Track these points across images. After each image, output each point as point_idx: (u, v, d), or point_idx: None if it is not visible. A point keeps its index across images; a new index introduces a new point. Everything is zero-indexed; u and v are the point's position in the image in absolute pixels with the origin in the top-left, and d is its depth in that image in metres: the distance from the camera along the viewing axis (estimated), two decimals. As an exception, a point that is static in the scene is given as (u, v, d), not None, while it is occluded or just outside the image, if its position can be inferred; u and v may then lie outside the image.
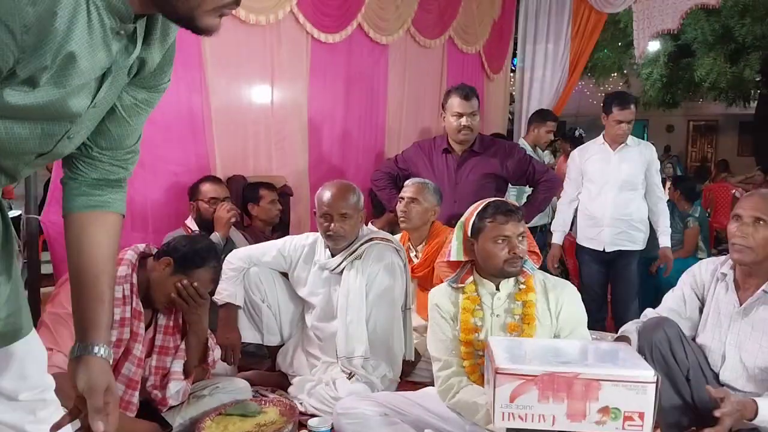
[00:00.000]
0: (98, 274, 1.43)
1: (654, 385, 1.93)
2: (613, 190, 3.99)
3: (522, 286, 2.41)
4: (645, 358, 2.46)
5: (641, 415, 1.90)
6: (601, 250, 4.05)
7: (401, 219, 3.46)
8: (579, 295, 2.49)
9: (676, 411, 2.47)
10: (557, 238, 4.18)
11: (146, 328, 2.43)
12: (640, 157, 4.01)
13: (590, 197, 4.09)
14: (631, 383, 1.91)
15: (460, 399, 2.34)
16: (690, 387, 2.43)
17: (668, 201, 5.72)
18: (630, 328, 2.56)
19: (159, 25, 1.29)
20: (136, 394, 2.35)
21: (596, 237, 4.06)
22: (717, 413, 2.04)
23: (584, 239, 4.15)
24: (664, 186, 8.07)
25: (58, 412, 1.56)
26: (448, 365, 2.42)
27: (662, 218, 4.07)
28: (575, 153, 4.25)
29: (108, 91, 1.26)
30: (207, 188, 3.46)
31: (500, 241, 2.34)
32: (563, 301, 2.42)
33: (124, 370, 2.31)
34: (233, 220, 3.44)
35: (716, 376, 2.47)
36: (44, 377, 1.55)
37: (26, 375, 1.47)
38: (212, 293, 2.58)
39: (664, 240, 4.06)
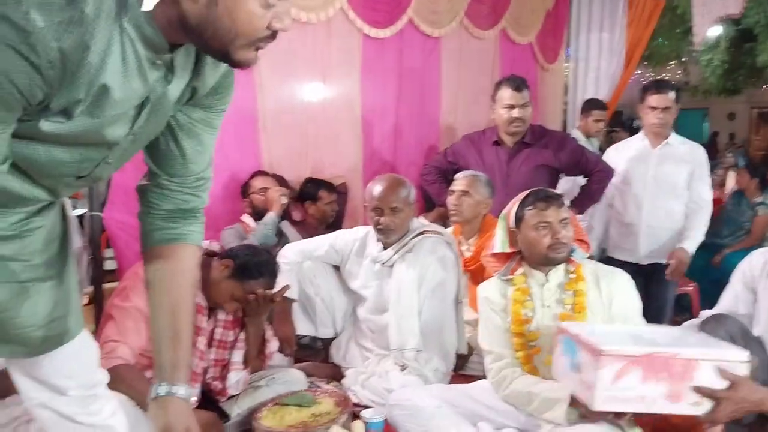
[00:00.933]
0: (175, 311, 1.43)
1: (748, 365, 1.94)
2: (652, 194, 3.67)
3: (572, 276, 2.38)
4: None
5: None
6: (636, 262, 3.69)
7: (452, 212, 3.45)
8: (632, 283, 2.43)
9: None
10: (592, 248, 3.60)
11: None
12: (685, 158, 3.65)
13: (624, 201, 3.78)
14: (727, 362, 1.91)
15: (513, 389, 2.33)
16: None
17: (737, 190, 5.62)
18: (689, 326, 2.51)
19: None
20: (198, 386, 2.42)
21: (631, 248, 3.75)
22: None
23: (616, 250, 3.84)
24: (725, 175, 7.84)
25: (110, 404, 1.62)
26: (500, 357, 2.42)
27: (698, 228, 3.58)
28: (611, 150, 3.98)
29: (148, 119, 1.26)
30: (257, 182, 3.62)
31: (542, 228, 2.34)
32: (616, 290, 2.38)
33: None
34: (284, 200, 3.57)
35: None
36: (93, 375, 1.58)
37: (74, 374, 1.51)
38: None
39: (689, 244, 3.54)
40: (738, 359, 1.93)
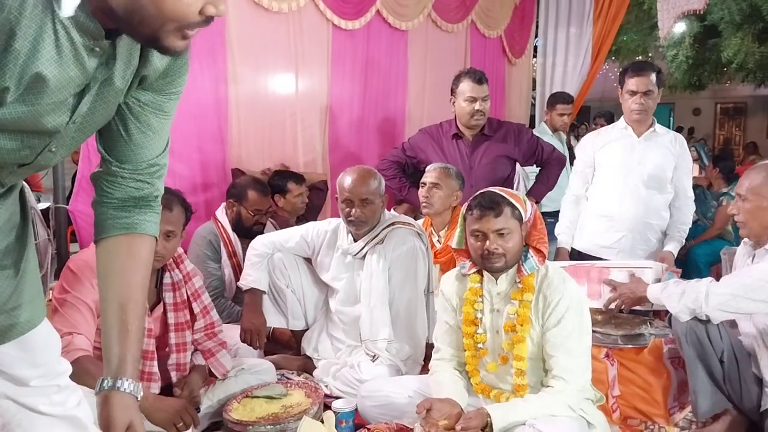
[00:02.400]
0: (123, 303, 1.39)
1: (652, 270, 2.73)
2: (637, 186, 3.39)
3: (518, 285, 2.29)
4: (680, 342, 2.48)
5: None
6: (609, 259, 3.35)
7: (424, 204, 3.46)
8: (579, 300, 2.28)
9: (708, 394, 2.47)
10: (565, 241, 3.59)
11: (153, 308, 2.49)
12: (671, 149, 3.40)
13: (606, 193, 3.47)
14: (634, 268, 2.71)
15: (431, 381, 2.41)
16: (723, 369, 2.43)
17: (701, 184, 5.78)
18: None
19: None
20: (155, 363, 2.40)
21: (613, 244, 3.44)
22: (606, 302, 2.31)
23: (595, 247, 3.49)
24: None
25: (75, 395, 1.58)
26: (437, 350, 2.48)
27: (684, 227, 3.45)
28: (586, 140, 3.66)
29: (93, 107, 1.23)
30: (255, 198, 3.42)
31: (475, 236, 2.27)
32: (553, 304, 2.23)
33: None
34: None
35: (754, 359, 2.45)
36: (56, 365, 1.54)
37: (37, 364, 1.47)
38: None
39: (674, 246, 3.40)
40: (644, 266, 2.70)
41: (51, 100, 1.13)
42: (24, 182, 1.44)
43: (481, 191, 2.32)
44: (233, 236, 3.41)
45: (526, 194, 2.91)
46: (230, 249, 3.38)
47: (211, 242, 3.37)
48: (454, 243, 2.45)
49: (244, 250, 3.31)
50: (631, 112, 3.38)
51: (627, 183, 3.41)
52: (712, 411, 2.51)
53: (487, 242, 2.22)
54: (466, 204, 2.35)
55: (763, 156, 11.66)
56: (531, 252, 2.31)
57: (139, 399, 1.38)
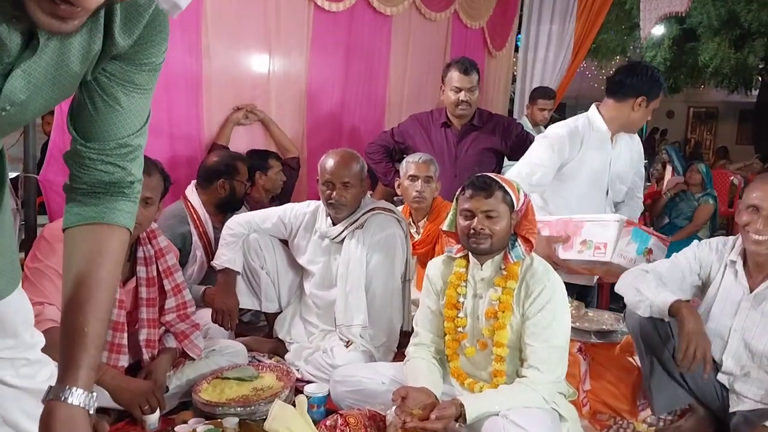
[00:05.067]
0: (82, 302, 1.20)
1: (617, 223, 2.79)
2: (605, 189, 3.31)
3: (503, 272, 2.30)
4: (633, 336, 2.51)
5: (605, 245, 2.81)
6: None
7: (417, 199, 3.39)
8: (561, 293, 2.28)
9: (666, 389, 2.48)
10: None
11: (126, 281, 2.45)
12: (631, 151, 3.35)
13: (580, 195, 3.25)
14: (601, 222, 2.86)
15: (407, 367, 2.41)
16: (676, 363, 2.43)
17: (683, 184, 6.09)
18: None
19: (118, 12, 1.12)
20: (125, 336, 2.37)
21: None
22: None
23: None
24: (663, 170, 8.13)
25: (46, 368, 1.54)
26: (416, 335, 2.49)
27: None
28: (566, 136, 3.15)
29: (23, 86, 1.08)
30: (243, 169, 3.40)
31: (464, 215, 2.29)
32: (535, 295, 2.23)
33: None
34: None
35: (715, 361, 2.45)
36: (27, 338, 1.48)
37: (6, 335, 1.42)
38: None
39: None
40: (611, 219, 2.85)
41: None
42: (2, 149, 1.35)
43: (477, 174, 2.34)
44: (206, 221, 3.34)
45: None
46: (201, 229, 3.31)
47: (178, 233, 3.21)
48: (444, 225, 2.45)
49: (215, 233, 3.29)
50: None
51: (600, 185, 3.31)
52: (671, 406, 2.54)
53: (475, 220, 2.24)
54: (461, 187, 2.36)
55: (732, 161, 11.87)
56: (519, 241, 2.31)
57: (91, 413, 1.16)
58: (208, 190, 3.34)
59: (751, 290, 2.42)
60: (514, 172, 3.11)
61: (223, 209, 3.37)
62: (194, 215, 3.28)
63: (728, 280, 2.49)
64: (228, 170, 3.34)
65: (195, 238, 3.26)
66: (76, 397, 1.14)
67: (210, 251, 3.27)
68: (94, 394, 1.17)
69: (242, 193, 3.41)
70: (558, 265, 2.85)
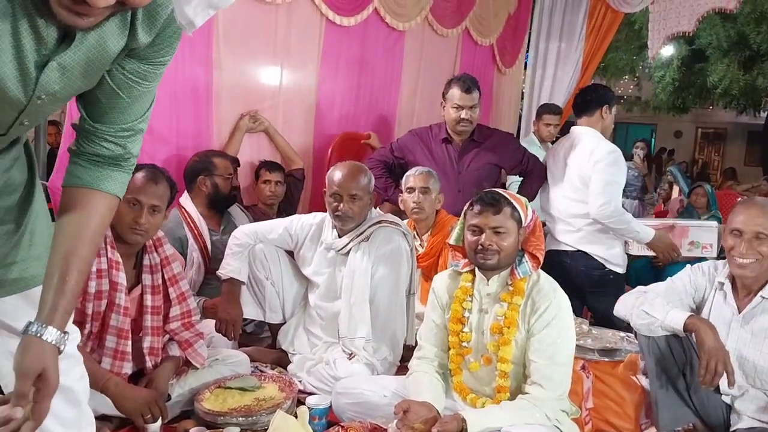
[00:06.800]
0: (67, 255, 1.36)
1: (716, 228, 3.82)
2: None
3: (509, 288, 2.31)
4: (643, 352, 2.52)
5: (711, 245, 3.79)
6: None
7: (415, 210, 3.43)
8: (567, 310, 2.29)
9: (672, 407, 2.49)
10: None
11: (132, 288, 2.46)
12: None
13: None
14: (705, 227, 3.89)
15: (409, 381, 2.40)
16: (686, 382, 2.45)
17: (688, 204, 6.06)
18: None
19: (140, 10, 1.24)
20: (129, 343, 2.37)
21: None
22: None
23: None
24: (670, 190, 8.15)
25: (79, 367, 1.58)
26: (420, 348, 2.48)
27: None
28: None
29: (58, 77, 1.22)
30: (223, 163, 3.43)
31: (472, 231, 2.30)
32: (540, 311, 2.24)
33: (112, 322, 2.34)
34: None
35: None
36: None
37: None
38: None
39: None
40: (712, 225, 3.90)
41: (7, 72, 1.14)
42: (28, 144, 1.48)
43: (486, 190, 2.35)
44: (201, 224, 3.36)
45: None
46: (196, 231, 3.33)
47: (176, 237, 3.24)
48: (452, 239, 2.46)
49: (212, 236, 3.35)
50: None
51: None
52: (676, 424, 2.53)
53: (483, 236, 2.25)
54: (469, 202, 2.37)
55: (740, 182, 11.85)
56: (526, 257, 2.32)
57: (61, 350, 1.33)
58: (194, 192, 3.40)
59: (740, 310, 2.46)
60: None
61: (215, 208, 3.42)
62: (188, 219, 3.34)
63: (718, 301, 2.54)
64: (205, 167, 3.39)
65: (191, 240, 3.29)
66: (50, 334, 1.30)
67: (206, 254, 3.33)
68: (67, 333, 1.34)
69: (227, 188, 3.42)
70: (673, 253, 3.65)
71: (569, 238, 3.70)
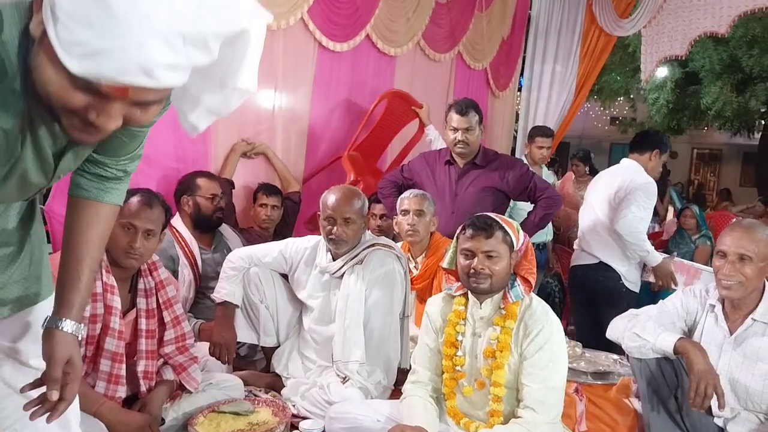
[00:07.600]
0: (81, 257, 1.53)
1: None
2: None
3: (502, 312, 2.32)
4: (635, 375, 2.53)
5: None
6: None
7: (409, 232, 3.45)
8: (559, 334, 2.30)
9: (665, 430, 2.48)
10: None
11: (126, 313, 2.46)
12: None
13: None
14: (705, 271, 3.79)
15: (402, 405, 2.41)
16: (678, 404, 2.45)
17: (678, 226, 6.13)
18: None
19: None
20: (123, 366, 2.37)
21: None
22: None
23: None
24: (666, 211, 8.17)
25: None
26: (414, 372, 2.49)
27: None
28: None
29: (73, 159, 1.41)
30: (207, 184, 3.45)
31: (465, 255, 2.31)
32: (533, 335, 2.25)
33: (106, 345, 2.34)
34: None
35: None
36: None
37: (38, 339, 1.53)
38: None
39: None
40: (706, 269, 3.73)
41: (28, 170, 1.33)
42: None
43: (477, 214, 2.37)
44: (191, 242, 3.39)
45: None
46: (186, 249, 3.36)
47: (168, 255, 3.27)
48: (445, 263, 2.47)
49: (203, 254, 3.38)
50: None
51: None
52: None
53: (475, 260, 2.26)
54: (461, 226, 2.39)
55: (735, 203, 11.89)
56: (518, 281, 2.33)
57: (79, 338, 1.51)
58: (180, 212, 3.45)
59: (731, 332, 2.48)
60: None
61: (201, 227, 3.45)
62: (179, 238, 3.37)
63: (710, 324, 2.55)
64: (188, 186, 3.44)
65: (182, 258, 3.32)
66: (69, 326, 1.49)
67: (197, 271, 3.36)
68: (82, 325, 1.52)
69: (210, 209, 3.43)
70: (671, 282, 3.86)
71: (596, 248, 4.02)
